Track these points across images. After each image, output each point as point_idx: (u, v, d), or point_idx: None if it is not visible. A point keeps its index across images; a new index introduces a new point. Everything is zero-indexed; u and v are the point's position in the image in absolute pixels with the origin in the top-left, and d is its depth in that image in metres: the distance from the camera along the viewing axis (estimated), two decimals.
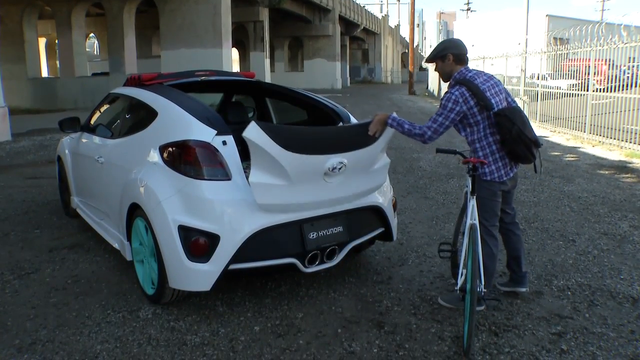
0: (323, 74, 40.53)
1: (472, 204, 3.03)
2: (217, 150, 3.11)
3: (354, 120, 3.88)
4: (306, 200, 3.15)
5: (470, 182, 3.10)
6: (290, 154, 2.90)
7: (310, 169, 3.04)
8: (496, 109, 3.13)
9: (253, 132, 2.83)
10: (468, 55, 3.27)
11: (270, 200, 3.04)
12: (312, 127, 3.37)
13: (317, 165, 3.05)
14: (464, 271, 3.04)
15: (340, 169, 3.13)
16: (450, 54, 3.21)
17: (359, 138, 3.27)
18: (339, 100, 21.08)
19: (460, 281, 3.06)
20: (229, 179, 3.10)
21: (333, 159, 3.07)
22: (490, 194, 3.21)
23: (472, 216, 3.00)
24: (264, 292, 3.65)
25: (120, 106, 4.60)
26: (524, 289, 3.53)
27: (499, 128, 3.11)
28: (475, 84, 3.11)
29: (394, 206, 3.93)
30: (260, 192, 2.99)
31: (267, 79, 25.98)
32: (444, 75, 3.28)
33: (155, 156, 3.35)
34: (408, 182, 7.32)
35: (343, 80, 43.52)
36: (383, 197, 3.74)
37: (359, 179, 3.36)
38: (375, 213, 3.70)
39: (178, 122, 3.37)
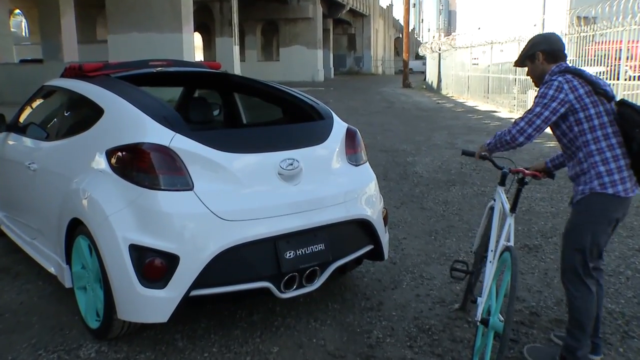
0: (302, 64, 40.69)
1: (510, 222, 3.03)
2: (177, 155, 3.13)
3: (336, 119, 3.98)
4: (266, 204, 3.26)
5: (502, 196, 3.14)
6: (228, 154, 3.20)
7: (258, 169, 3.29)
8: (617, 99, 2.92)
9: (180, 142, 3.11)
10: (563, 51, 3.08)
11: (225, 207, 3.13)
12: (253, 127, 3.55)
13: (263, 163, 3.31)
14: (485, 301, 3.02)
15: (294, 166, 3.37)
16: (539, 52, 3.08)
17: (308, 135, 3.66)
18: (320, 96, 21.15)
19: (479, 313, 3.03)
20: (190, 189, 3.12)
21: (280, 156, 3.35)
22: (601, 216, 2.87)
23: (509, 237, 3.01)
24: (233, 323, 3.64)
25: (57, 101, 4.56)
26: (597, 358, 3.19)
27: (622, 123, 2.84)
28: (583, 71, 2.97)
29: (385, 219, 3.98)
30: (211, 200, 3.09)
31: (236, 70, 25.94)
32: (537, 80, 3.12)
33: (101, 162, 3.34)
34: (401, 190, 7.38)
35: (326, 71, 43.74)
36: (371, 209, 3.79)
37: (325, 181, 3.56)
38: (363, 227, 3.75)
39: (129, 122, 3.38)
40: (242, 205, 3.20)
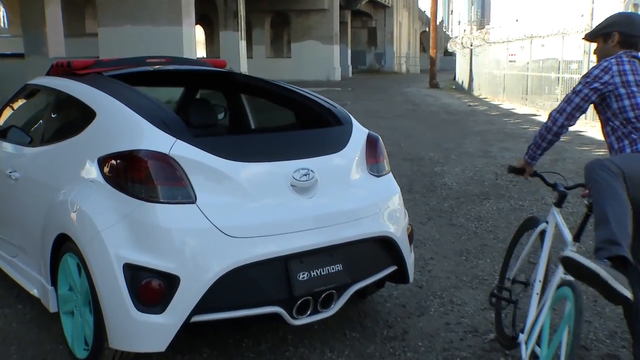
0: (316, 62, 40.74)
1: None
2: (177, 164, 3.17)
3: (356, 124, 4.01)
4: (277, 219, 3.29)
5: (559, 219, 3.11)
6: (235, 163, 3.26)
7: (269, 180, 3.34)
8: None
9: (181, 149, 3.16)
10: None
11: (232, 222, 3.16)
12: (263, 132, 3.76)
13: (275, 173, 3.36)
14: (531, 342, 2.99)
15: (308, 177, 3.39)
16: (616, 32, 3.22)
17: (324, 142, 3.74)
18: (337, 97, 21.19)
19: (525, 354, 3.02)
20: (193, 202, 3.15)
21: (293, 165, 3.39)
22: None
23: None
24: (238, 352, 3.66)
25: (42, 102, 4.63)
26: None
27: None
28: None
29: (410, 237, 3.99)
30: (215, 214, 3.12)
31: (243, 67, 26.04)
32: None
33: (92, 171, 3.39)
34: (428, 204, 7.39)
35: (343, 69, 43.78)
36: (395, 225, 3.81)
37: (343, 194, 3.60)
38: (385, 246, 3.76)
39: (124, 126, 3.43)
40: (250, 221, 3.23)
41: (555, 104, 18.45)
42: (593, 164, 2.92)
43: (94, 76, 4.12)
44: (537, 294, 3.16)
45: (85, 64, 4.34)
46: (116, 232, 3.13)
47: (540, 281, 3.21)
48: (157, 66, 4.58)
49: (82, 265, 3.29)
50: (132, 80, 4.25)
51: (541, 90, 19.59)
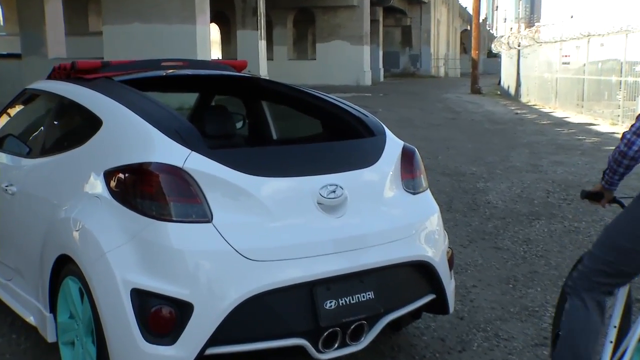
0: (344, 64, 40.78)
1: None
2: (192, 178, 3.20)
3: (390, 135, 4.04)
4: (302, 240, 3.32)
5: None
6: (255, 178, 3.29)
7: (294, 196, 3.38)
8: None
9: (196, 163, 3.21)
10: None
11: (251, 244, 3.18)
12: (286, 144, 3.84)
13: (300, 190, 3.39)
14: None
15: (337, 194, 3.42)
16: None
17: (354, 156, 3.79)
18: (367, 103, 21.24)
19: None
20: (208, 221, 3.18)
21: (320, 181, 3.42)
22: None
23: None
24: None
25: (42, 109, 4.71)
26: None
27: None
28: None
29: (450, 262, 3.98)
30: (234, 235, 3.15)
31: (262, 70, 26.15)
32: None
33: (98, 185, 3.44)
34: (470, 224, 7.36)
35: (374, 72, 43.79)
36: (433, 249, 3.81)
37: (376, 213, 3.63)
38: (422, 272, 3.76)
39: (133, 136, 3.48)
40: (272, 242, 3.25)
41: (617, 112, 18.11)
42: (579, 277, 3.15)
43: (102, 81, 4.16)
44: (611, 342, 3.13)
45: (92, 65, 4.40)
46: (123, 254, 3.17)
47: (615, 327, 3.18)
48: (173, 70, 4.64)
49: (85, 290, 3.32)
50: (142, 85, 4.33)
51: (600, 96, 19.39)
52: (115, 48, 18.18)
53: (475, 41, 34.21)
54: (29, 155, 4.34)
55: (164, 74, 4.60)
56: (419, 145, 4.87)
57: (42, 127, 4.52)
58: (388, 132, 4.07)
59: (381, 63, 48.69)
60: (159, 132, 3.37)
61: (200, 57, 17.19)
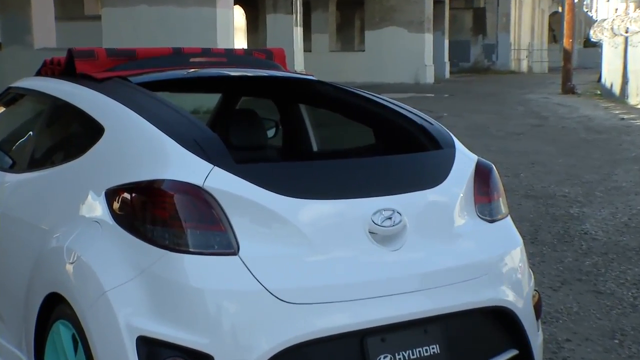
0: (400, 57, 40.48)
1: None
2: (214, 200, 3.22)
3: (460, 148, 4.04)
4: (350, 279, 3.32)
5: None
6: (292, 200, 3.29)
7: (340, 223, 3.40)
8: None
9: (220, 180, 3.21)
10: None
11: (287, 282, 3.19)
12: (330, 158, 3.83)
13: (347, 215, 3.41)
14: None
15: (394, 222, 3.41)
16: None
17: (416, 173, 3.81)
18: (429, 107, 21.16)
19: None
20: (234, 253, 3.20)
21: (372, 204, 3.42)
22: None
23: None
24: None
25: (29, 112, 4.81)
26: None
27: None
28: None
29: (537, 308, 3.96)
30: (265, 271, 3.16)
31: (298, 64, 25.96)
32: None
33: (97, 207, 3.49)
34: (562, 261, 7.31)
35: (437, 67, 43.40)
36: (515, 292, 3.79)
37: (442, 245, 3.63)
38: (502, 321, 3.75)
39: (142, 147, 3.54)
40: (313, 281, 3.26)
41: None
42: None
43: (115, 83, 4.11)
44: None
45: (103, 61, 4.43)
46: (129, 293, 3.20)
47: None
48: (209, 69, 4.69)
49: (80, 338, 3.34)
50: (157, 84, 4.40)
51: None
52: (117, 36, 18.13)
53: (569, 27, 33.91)
54: (13, 169, 4.41)
55: (195, 74, 4.69)
56: (495, 160, 4.88)
57: (29, 135, 4.59)
58: (458, 143, 4.07)
59: (447, 55, 48.11)
60: (173, 142, 3.39)
61: (221, 46, 17.24)
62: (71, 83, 4.32)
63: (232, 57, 5.01)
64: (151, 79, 4.39)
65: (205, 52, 4.95)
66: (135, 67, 4.46)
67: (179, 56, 4.78)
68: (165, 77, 4.58)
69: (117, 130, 3.71)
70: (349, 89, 4.71)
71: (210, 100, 5.75)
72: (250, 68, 4.95)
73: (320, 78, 5.03)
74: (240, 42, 42.92)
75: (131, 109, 3.70)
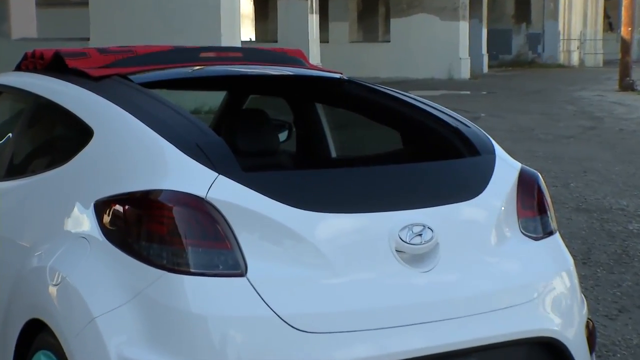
0: (431, 49, 40.26)
1: None
2: (219, 213, 3.23)
3: (501, 154, 4.04)
4: (373, 304, 3.32)
5: None
6: (308, 214, 3.30)
7: (363, 240, 3.41)
8: None
9: (225, 191, 3.22)
10: None
11: (302, 308, 3.20)
12: (350, 165, 3.75)
13: (371, 231, 3.43)
14: None
15: (424, 239, 3.40)
16: None
17: (450, 183, 3.83)
18: (464, 106, 21.13)
19: None
20: (242, 274, 3.20)
21: (400, 219, 3.41)
22: None
23: None
24: None
25: (7, 112, 4.86)
26: None
27: None
28: None
29: (590, 340, 3.94)
30: (277, 295, 3.16)
31: (314, 56, 25.99)
32: None
33: (85, 222, 3.50)
34: (619, 285, 7.28)
35: (474, 60, 43.21)
36: (564, 320, 3.78)
37: (480, 266, 3.63)
38: (549, 353, 3.73)
39: (137, 152, 3.55)
40: (332, 306, 3.26)
41: None
42: None
43: (112, 81, 4.09)
44: None
45: (94, 58, 4.44)
46: (120, 320, 3.21)
47: None
48: (221, 67, 4.72)
49: None
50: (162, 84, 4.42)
51: None
52: (107, 25, 18.18)
53: (628, 13, 33.73)
54: None
55: (205, 72, 4.71)
56: (541, 168, 4.89)
57: (7, 139, 4.60)
58: (498, 149, 4.07)
59: (484, 47, 47.91)
60: (172, 147, 3.40)
61: (225, 37, 17.28)
62: (56, 79, 4.32)
63: (248, 52, 5.01)
64: (155, 78, 4.43)
65: (217, 48, 4.97)
66: (136, 64, 4.46)
67: (187, 52, 4.80)
68: (172, 76, 4.62)
69: (107, 133, 3.73)
70: (373, 86, 4.73)
71: (213, 98, 5.74)
72: (269, 65, 4.97)
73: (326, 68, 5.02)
74: (247, 32, 43.01)
75: (124, 108, 3.71)
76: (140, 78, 4.23)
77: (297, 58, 5.10)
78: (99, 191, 3.49)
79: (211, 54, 4.78)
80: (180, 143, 3.42)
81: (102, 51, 4.60)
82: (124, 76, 4.18)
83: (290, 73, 4.96)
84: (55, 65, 4.45)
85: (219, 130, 4.99)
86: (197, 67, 4.69)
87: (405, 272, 3.42)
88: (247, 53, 4.97)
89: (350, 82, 4.88)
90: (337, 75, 4.96)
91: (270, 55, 5.09)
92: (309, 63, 5.21)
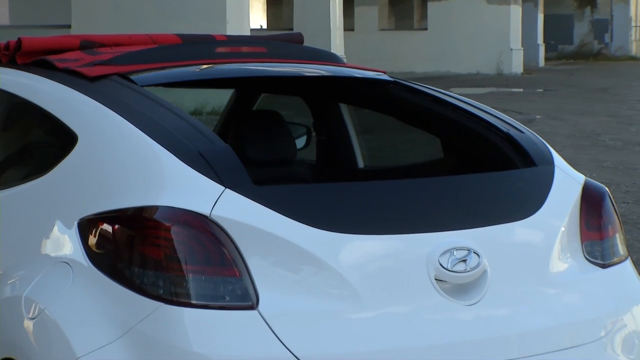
0: (475, 38, 40.35)
1: None
2: (225, 234, 3.23)
3: (561, 164, 4.03)
4: (409, 343, 3.32)
5: None
6: (330, 235, 3.30)
7: (396, 267, 3.41)
8: None
9: (232, 208, 3.23)
10: None
11: (324, 347, 3.20)
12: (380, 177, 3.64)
13: (406, 257, 3.44)
14: None
15: (469, 265, 3.38)
16: None
17: (499, 199, 3.83)
18: (517, 107, 21.13)
19: None
20: (252, 306, 3.21)
21: (440, 241, 3.41)
22: None
23: None
24: None
25: None
26: None
27: None
28: None
29: None
30: (294, 332, 3.17)
31: (335, 47, 26.18)
32: None
33: (67, 243, 3.52)
34: None
35: (528, 51, 43.18)
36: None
37: (536, 298, 3.63)
38: None
39: (128, 162, 3.57)
40: (359, 345, 3.25)
41: None
42: None
43: (112, 82, 4.08)
44: None
45: (57, 45, 4.50)
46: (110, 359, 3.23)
47: None
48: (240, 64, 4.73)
49: None
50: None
51: None
52: (92, 10, 18.33)
53: None
54: None
55: (220, 72, 4.72)
56: (610, 181, 4.89)
57: None
58: (558, 158, 4.07)
59: (541, 36, 47.97)
60: (171, 155, 3.40)
61: (232, 24, 17.33)
62: (34, 75, 4.33)
63: (274, 47, 4.98)
64: (162, 80, 4.51)
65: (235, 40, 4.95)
66: (139, 61, 4.46)
67: (200, 47, 4.79)
68: (182, 77, 4.67)
69: (94, 138, 3.74)
70: (408, 84, 4.73)
71: (217, 97, 5.73)
72: (299, 62, 4.90)
73: (365, 65, 5.00)
74: (257, 18, 43.11)
75: (114, 110, 3.70)
76: (143, 78, 4.24)
77: (333, 54, 5.13)
78: (83, 207, 3.50)
79: (229, 49, 4.75)
80: (179, 151, 3.41)
81: (89, 48, 4.60)
82: (125, 76, 4.15)
83: (329, 73, 4.92)
84: (42, 63, 4.42)
85: (225, 135, 5.04)
86: (209, 65, 4.66)
87: (447, 305, 3.41)
88: (273, 48, 4.92)
89: (396, 83, 4.84)
90: (383, 77, 4.91)
91: (302, 51, 5.09)
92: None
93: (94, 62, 4.31)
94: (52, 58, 4.35)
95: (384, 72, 4.99)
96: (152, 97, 3.90)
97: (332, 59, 5.09)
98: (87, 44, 4.59)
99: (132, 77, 4.18)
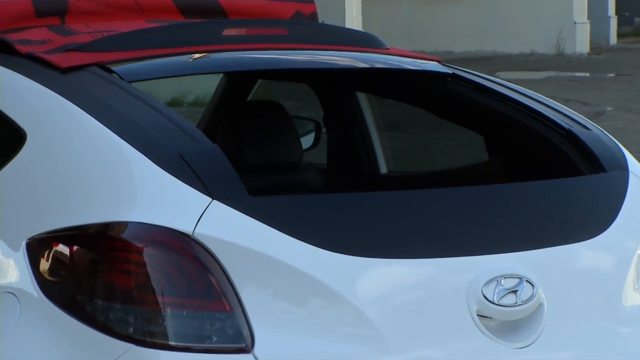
0: (530, 10, 40.37)
1: None
2: (212, 256, 3.23)
3: (635, 165, 4.04)
4: None
5: None
6: (347, 259, 3.30)
7: (428, 299, 3.43)
8: None
9: (221, 225, 3.24)
10: None
11: None
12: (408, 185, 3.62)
13: (440, 286, 3.46)
14: None
15: (520, 297, 3.38)
16: None
17: (557, 213, 3.84)
18: (581, 95, 21.17)
19: None
20: (246, 349, 3.22)
21: (483, 267, 3.41)
22: None
23: None
24: None
25: None
26: None
27: None
28: None
29: None
30: None
31: (351, 19, 26.25)
32: None
33: (11, 269, 3.55)
34: None
35: (595, 26, 43.14)
36: None
37: (605, 337, 3.63)
38: None
39: (90, 167, 3.58)
40: None
41: None
42: None
43: (87, 76, 4.07)
44: None
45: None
46: None
47: None
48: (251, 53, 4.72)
49: None
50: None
51: None
52: None
53: None
54: None
55: (226, 63, 4.74)
56: None
57: None
58: (633, 163, 4.08)
59: (612, 6, 48.04)
60: (144, 158, 3.39)
61: None
62: None
63: (295, 28, 4.89)
64: (153, 74, 4.56)
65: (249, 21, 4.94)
66: (125, 46, 4.41)
67: (203, 27, 4.73)
68: (180, 70, 4.72)
69: (47, 138, 3.75)
70: (440, 69, 4.76)
71: (201, 84, 5.73)
72: (332, 48, 4.80)
73: (390, 44, 4.94)
74: None
75: (74, 102, 3.69)
76: (131, 72, 4.21)
77: (372, 37, 5.03)
78: (34, 224, 3.51)
79: (240, 31, 4.66)
80: (155, 153, 3.40)
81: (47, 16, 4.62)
82: (105, 67, 4.12)
83: (381, 66, 4.86)
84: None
85: (213, 132, 5.02)
86: (213, 54, 4.60)
87: (493, 347, 3.41)
88: (295, 30, 4.79)
89: (456, 77, 4.78)
90: (441, 68, 4.85)
91: (337, 33, 5.06)
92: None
93: (66, 47, 4.30)
94: (11, 38, 4.34)
95: (439, 61, 4.94)
96: (109, 78, 3.92)
97: (372, 43, 4.97)
98: (44, 11, 4.56)
99: (116, 69, 4.13)
